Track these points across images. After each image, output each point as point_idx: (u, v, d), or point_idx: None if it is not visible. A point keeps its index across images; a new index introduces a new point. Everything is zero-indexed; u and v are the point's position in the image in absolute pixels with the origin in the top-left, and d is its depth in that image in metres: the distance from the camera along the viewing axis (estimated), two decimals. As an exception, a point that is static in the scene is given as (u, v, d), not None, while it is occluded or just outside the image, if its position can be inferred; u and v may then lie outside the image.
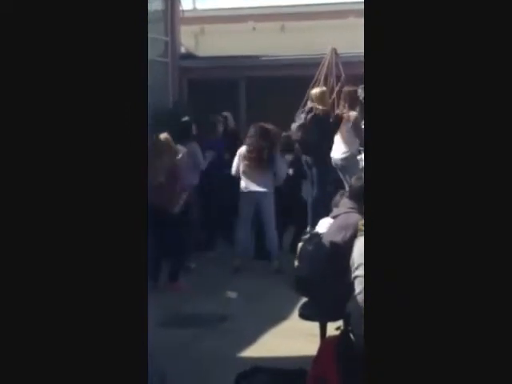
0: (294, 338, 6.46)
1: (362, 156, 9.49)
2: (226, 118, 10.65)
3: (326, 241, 5.33)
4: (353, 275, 4.71)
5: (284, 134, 9.97)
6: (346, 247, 4.98)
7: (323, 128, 9.42)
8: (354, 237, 4.94)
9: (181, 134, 9.45)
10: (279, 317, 7.12)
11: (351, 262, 4.76)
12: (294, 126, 9.58)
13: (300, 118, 9.55)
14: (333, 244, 5.26)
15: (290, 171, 9.76)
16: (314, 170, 9.56)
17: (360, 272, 4.65)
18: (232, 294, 8.12)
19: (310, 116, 9.43)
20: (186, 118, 10.00)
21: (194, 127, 9.88)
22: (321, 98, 9.62)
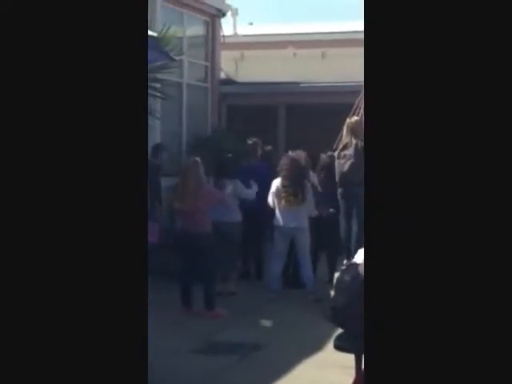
0: (328, 369, 6.37)
1: None
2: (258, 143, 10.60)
3: (361, 271, 5.23)
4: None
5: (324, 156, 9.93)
6: None
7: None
8: None
9: (220, 172, 9.35)
10: (314, 347, 7.02)
11: None
12: (346, 164, 9.43)
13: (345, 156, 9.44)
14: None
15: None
16: (354, 202, 9.45)
17: None
18: (267, 323, 8.05)
19: (353, 150, 9.34)
20: (229, 155, 9.79)
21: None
22: (355, 127, 9.56)
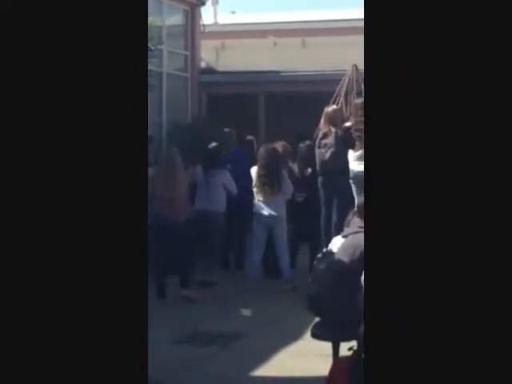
0: (306, 357, 6.38)
1: None
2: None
3: (335, 260, 5.26)
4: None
5: (302, 145, 9.99)
6: (354, 268, 4.92)
7: (346, 147, 9.43)
8: (362, 257, 4.86)
9: (209, 161, 9.46)
10: (292, 336, 7.04)
11: (361, 282, 4.68)
12: (327, 153, 9.47)
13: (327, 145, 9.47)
14: (341, 264, 5.19)
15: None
16: (335, 191, 9.49)
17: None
18: (246, 312, 8.07)
19: (333, 139, 9.36)
20: (213, 144, 9.77)
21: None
22: (333, 116, 9.61)
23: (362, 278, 4.67)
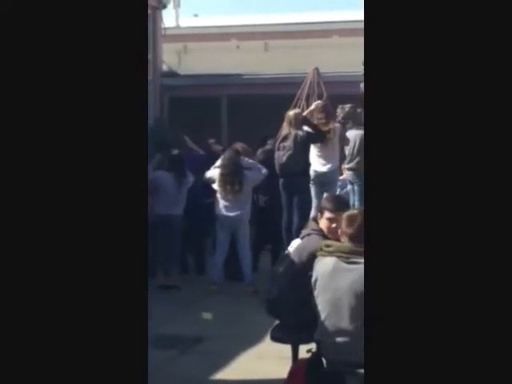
0: (267, 360, 6.41)
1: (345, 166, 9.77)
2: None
3: (290, 262, 5.28)
4: (316, 299, 4.65)
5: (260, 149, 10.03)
6: (303, 269, 4.93)
7: (306, 149, 9.47)
8: (311, 259, 4.87)
9: (171, 166, 9.47)
10: (254, 339, 7.05)
11: (312, 285, 4.69)
12: (285, 155, 9.50)
13: (284, 147, 9.51)
14: (292, 265, 5.21)
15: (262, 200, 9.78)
16: (295, 193, 9.53)
17: (321, 297, 4.60)
18: (207, 316, 8.05)
19: (292, 141, 9.40)
20: (176, 152, 9.79)
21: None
22: (294, 119, 9.66)
23: (312, 280, 4.70)
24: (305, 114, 10.01)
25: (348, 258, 4.57)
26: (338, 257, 4.62)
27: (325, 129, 9.70)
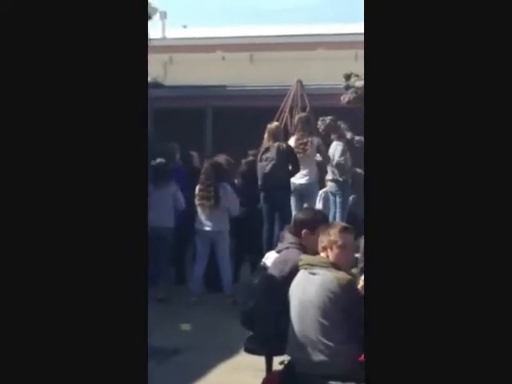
0: (243, 372, 6.37)
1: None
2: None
3: (267, 275, 5.28)
4: (291, 311, 4.66)
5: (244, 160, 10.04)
6: (284, 283, 4.93)
7: (288, 161, 9.53)
8: (292, 273, 4.88)
9: (158, 176, 9.39)
10: (231, 351, 7.02)
11: (288, 297, 4.70)
12: (268, 166, 9.51)
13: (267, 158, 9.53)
14: (272, 278, 5.21)
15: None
16: (276, 205, 9.54)
17: (295, 309, 4.60)
18: (186, 327, 8.03)
19: (274, 153, 9.42)
20: (162, 160, 9.77)
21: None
22: (275, 131, 9.73)
23: (289, 293, 4.71)
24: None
25: (312, 269, 4.60)
26: (305, 269, 4.66)
27: (303, 141, 9.79)
